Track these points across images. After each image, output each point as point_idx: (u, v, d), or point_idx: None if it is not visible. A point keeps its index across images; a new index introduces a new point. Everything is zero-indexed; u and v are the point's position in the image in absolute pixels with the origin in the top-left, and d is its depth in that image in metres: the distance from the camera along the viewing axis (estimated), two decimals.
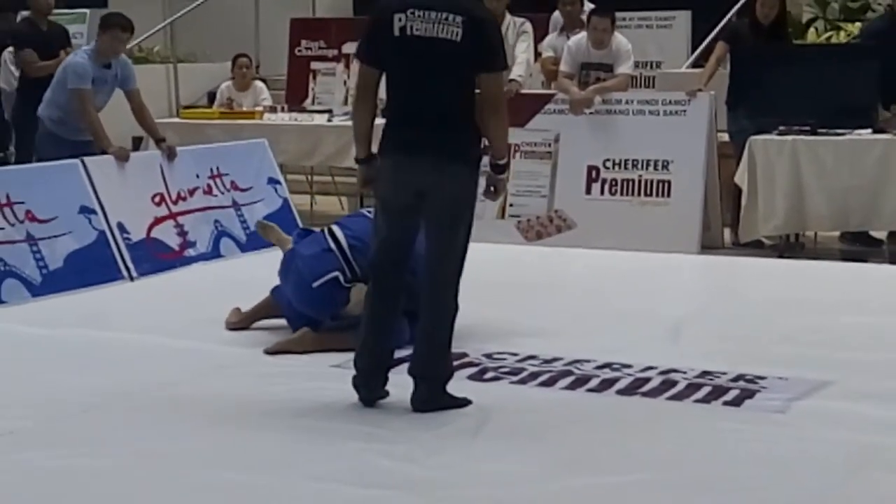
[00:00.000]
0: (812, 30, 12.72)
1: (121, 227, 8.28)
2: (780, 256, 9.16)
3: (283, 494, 4.45)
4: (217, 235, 8.95)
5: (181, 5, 15.18)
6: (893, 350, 6.30)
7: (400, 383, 5.36)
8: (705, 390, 5.57)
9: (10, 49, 11.04)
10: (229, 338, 6.61)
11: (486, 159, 5.35)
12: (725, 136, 9.81)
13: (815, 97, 9.16)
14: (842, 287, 7.99)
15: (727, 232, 9.67)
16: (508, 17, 9.76)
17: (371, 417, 5.24)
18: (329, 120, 11.03)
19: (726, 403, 5.42)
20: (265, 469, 4.65)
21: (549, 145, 9.71)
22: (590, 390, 5.63)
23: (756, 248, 9.37)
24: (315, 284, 6.21)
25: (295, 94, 12.43)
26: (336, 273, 6.22)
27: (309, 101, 12.29)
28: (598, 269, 8.62)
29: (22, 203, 7.80)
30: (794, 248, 9.37)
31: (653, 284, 8.15)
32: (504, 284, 7.75)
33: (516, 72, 9.59)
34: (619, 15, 10.06)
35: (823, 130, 9.00)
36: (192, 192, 8.96)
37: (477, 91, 5.23)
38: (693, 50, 11.46)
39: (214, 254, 8.85)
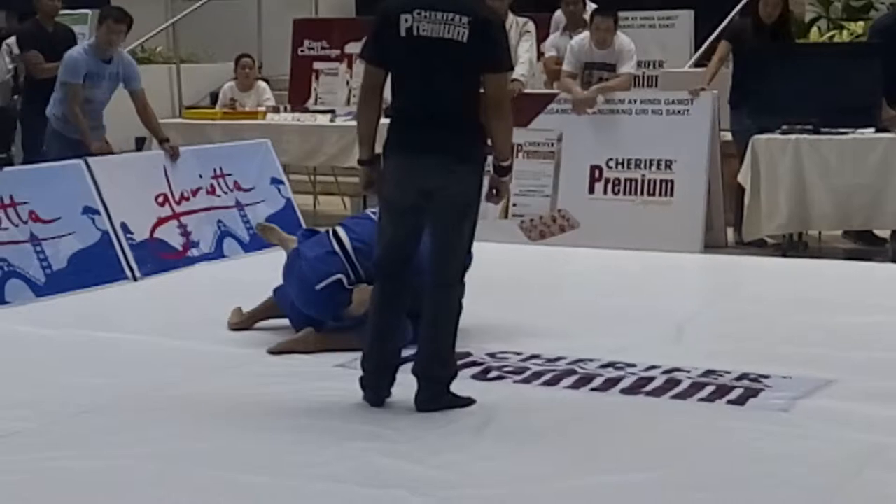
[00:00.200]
0: (815, 29, 12.72)
1: (124, 227, 8.29)
2: (784, 255, 9.16)
3: (287, 494, 4.46)
4: (220, 236, 8.96)
5: (184, 6, 15.20)
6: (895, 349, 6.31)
7: (404, 383, 5.36)
8: (709, 389, 5.57)
9: (9, 41, 11.04)
10: (233, 338, 6.61)
11: (489, 160, 5.36)
12: (728, 136, 9.81)
13: (817, 96, 9.15)
14: (845, 286, 7.99)
15: (730, 231, 9.66)
16: (511, 16, 9.76)
17: (375, 417, 5.24)
18: (332, 120, 11.04)
19: (730, 402, 5.42)
20: (269, 469, 4.65)
21: (552, 145, 9.71)
22: (593, 389, 5.63)
23: (759, 247, 9.38)
24: (318, 287, 6.21)
25: (298, 95, 12.45)
26: (339, 276, 6.22)
27: (312, 101, 12.31)
28: (601, 268, 8.63)
29: (26, 203, 7.81)
30: (797, 247, 9.36)
31: (656, 284, 8.15)
32: (507, 284, 7.75)
33: (519, 71, 9.59)
34: (621, 14, 10.06)
35: (826, 129, 9.00)
36: (195, 193, 8.96)
37: (481, 91, 5.24)
38: (696, 49, 11.45)
39: (218, 254, 8.86)
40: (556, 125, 9.71)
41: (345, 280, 6.22)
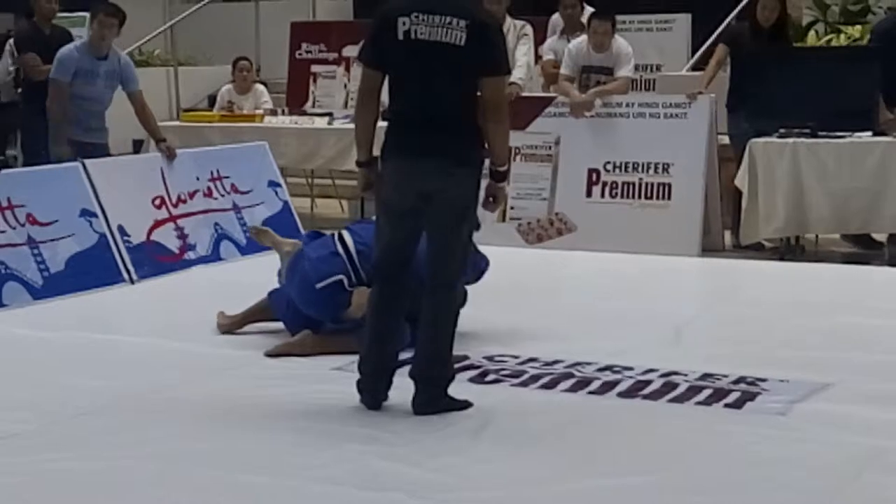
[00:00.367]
0: (812, 33, 12.73)
1: (121, 229, 8.29)
2: (781, 259, 9.17)
3: (284, 496, 4.45)
4: (217, 238, 8.96)
5: (182, 8, 15.23)
6: (894, 352, 6.29)
7: (401, 386, 5.36)
8: (706, 393, 5.57)
9: (10, 42, 11.06)
10: (230, 340, 6.61)
11: (487, 164, 5.36)
12: (726, 139, 9.82)
13: (815, 100, 9.16)
14: (842, 289, 8.00)
15: (728, 235, 9.67)
16: (509, 20, 9.77)
17: (372, 420, 5.24)
18: (329, 123, 11.05)
19: (727, 406, 5.41)
20: (266, 471, 4.65)
21: (550, 148, 9.71)
22: (591, 393, 5.62)
23: (757, 250, 9.38)
24: (319, 286, 6.22)
25: (295, 98, 12.45)
26: (341, 276, 6.23)
27: (309, 104, 12.32)
28: (599, 272, 8.63)
29: (23, 206, 7.80)
30: (794, 251, 9.37)
31: (653, 287, 8.15)
32: (505, 287, 7.74)
33: (517, 75, 9.60)
34: (619, 18, 10.08)
35: (824, 133, 9.01)
36: (192, 195, 8.96)
37: (479, 94, 5.24)
38: (693, 53, 11.47)
39: (214, 257, 8.86)
40: (554, 128, 9.71)
41: (345, 281, 6.23)
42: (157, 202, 8.70)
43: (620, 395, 5.59)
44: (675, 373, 5.84)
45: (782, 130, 9.11)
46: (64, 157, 8.79)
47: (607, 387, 5.68)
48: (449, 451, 4.89)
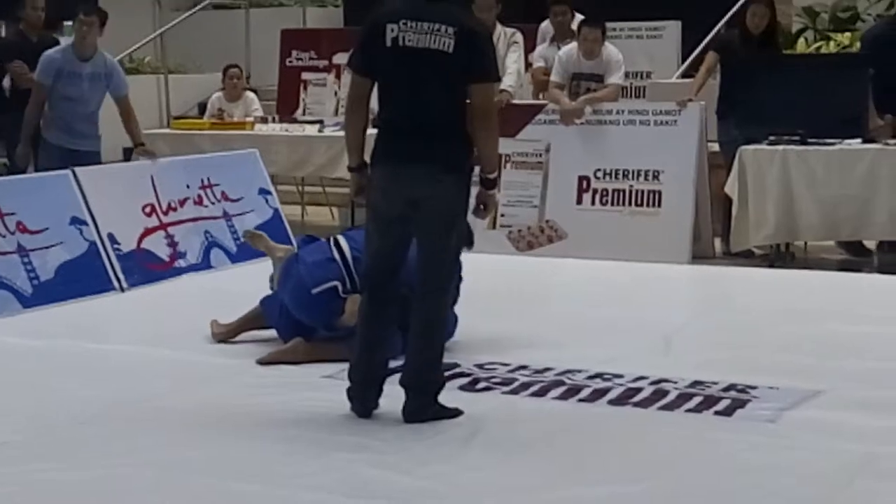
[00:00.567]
0: (802, 40, 12.75)
1: (111, 237, 8.27)
2: (771, 266, 9.17)
3: None
4: (207, 246, 8.94)
5: (172, 16, 15.20)
6: (884, 359, 6.31)
7: (391, 393, 5.36)
8: (696, 400, 5.58)
9: None
10: (221, 348, 6.60)
11: (476, 171, 5.36)
12: (716, 146, 9.83)
13: (805, 107, 9.18)
14: (833, 297, 8.01)
15: (718, 242, 9.68)
16: (499, 27, 9.77)
17: (362, 428, 5.23)
18: (320, 130, 11.05)
19: (717, 413, 5.42)
20: (257, 479, 4.65)
21: (540, 155, 9.72)
22: (581, 400, 5.63)
23: (747, 257, 9.39)
24: (314, 291, 6.21)
25: (286, 105, 12.45)
26: (336, 282, 6.22)
27: (300, 111, 12.31)
28: (589, 279, 8.63)
29: (13, 214, 7.79)
30: (784, 258, 9.38)
31: (644, 294, 8.16)
32: (495, 295, 7.75)
33: (507, 82, 9.60)
34: (609, 25, 10.07)
35: (813, 140, 9.02)
36: (182, 203, 8.95)
37: (468, 101, 5.24)
38: (683, 60, 11.47)
39: (205, 265, 8.84)
40: (544, 136, 9.72)
41: (340, 287, 6.22)
42: (148, 210, 8.69)
43: (611, 402, 5.59)
44: (666, 380, 5.84)
45: (772, 137, 9.12)
46: (25, 159, 8.85)
47: (598, 394, 5.68)
48: (439, 459, 4.89)
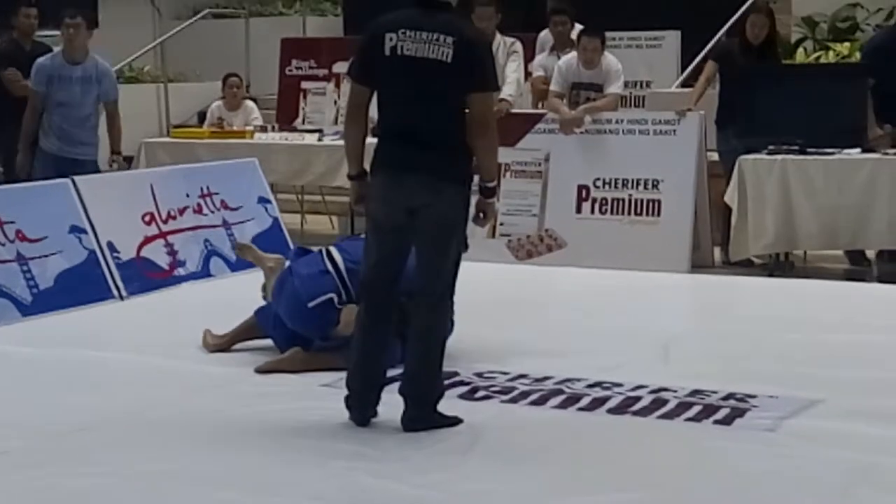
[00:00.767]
0: (801, 50, 12.77)
1: (111, 246, 8.27)
2: (770, 275, 9.17)
3: None
4: (207, 255, 8.94)
5: (172, 25, 15.23)
6: (883, 368, 6.31)
7: (390, 402, 5.36)
8: (696, 409, 5.57)
9: None
10: (219, 357, 6.60)
11: (476, 180, 5.36)
12: (715, 156, 9.83)
13: (804, 117, 9.18)
14: (832, 305, 8.00)
15: (717, 251, 9.68)
16: (499, 36, 9.78)
17: (361, 436, 5.23)
18: (319, 139, 11.05)
19: (717, 422, 5.42)
20: (255, 488, 4.64)
21: (540, 164, 9.72)
22: (580, 409, 5.62)
23: (746, 266, 9.39)
24: (311, 304, 6.21)
25: (285, 114, 12.45)
26: (332, 294, 6.22)
27: (299, 120, 12.31)
28: (589, 288, 8.63)
29: (12, 223, 7.79)
30: (783, 267, 9.38)
31: (643, 303, 8.15)
32: (494, 303, 7.75)
33: (506, 91, 9.62)
34: (608, 35, 10.09)
35: (812, 150, 9.02)
36: (182, 212, 8.95)
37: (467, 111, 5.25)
38: (682, 69, 11.49)
39: (204, 273, 8.84)
40: (544, 145, 9.73)
41: (336, 299, 6.22)
42: (147, 218, 8.69)
43: (610, 411, 5.59)
44: (665, 389, 5.84)
45: (771, 147, 9.12)
46: (24, 168, 8.86)
47: (597, 403, 5.68)
48: (438, 467, 4.89)
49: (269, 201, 9.69)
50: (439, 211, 5.19)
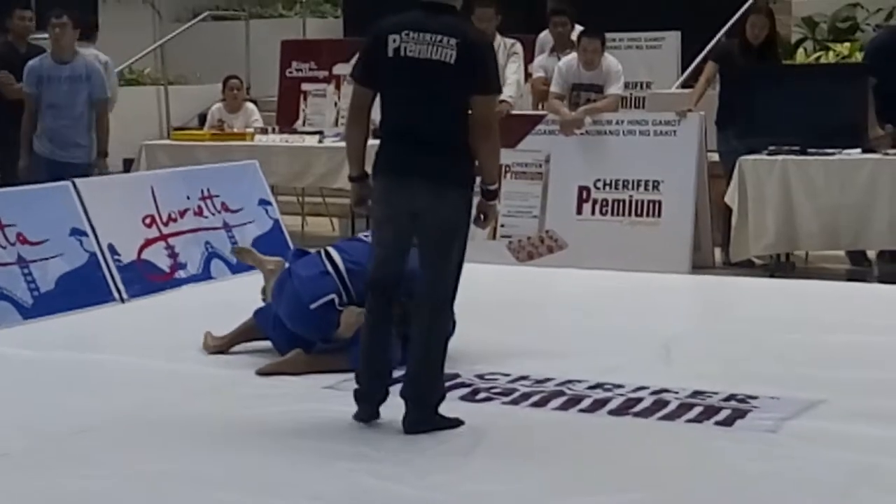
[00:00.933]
0: (801, 50, 12.76)
1: (111, 248, 8.27)
2: (771, 276, 9.17)
3: None
4: (208, 257, 8.94)
5: (172, 27, 15.23)
6: (884, 369, 6.31)
7: (392, 404, 5.36)
8: (697, 410, 5.57)
9: None
10: (221, 359, 6.60)
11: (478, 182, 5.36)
12: (715, 156, 9.83)
13: (804, 117, 9.18)
14: (833, 306, 8.00)
15: (718, 252, 9.68)
16: (499, 38, 9.78)
17: (363, 438, 5.23)
18: (320, 141, 11.05)
19: (718, 423, 5.41)
20: (256, 489, 4.64)
21: (540, 166, 9.72)
22: (582, 410, 5.62)
23: (747, 267, 9.39)
24: (313, 306, 6.21)
25: (286, 116, 12.45)
26: (332, 295, 6.22)
27: (300, 122, 12.31)
28: (590, 289, 8.63)
29: (13, 225, 7.79)
30: (784, 268, 9.38)
31: (644, 304, 8.15)
32: (495, 305, 7.75)
33: (507, 92, 9.60)
34: (608, 36, 10.09)
35: (813, 150, 9.02)
36: (182, 214, 8.95)
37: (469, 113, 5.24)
38: (683, 70, 11.49)
39: (205, 275, 8.84)
40: (544, 146, 9.73)
41: (337, 300, 6.22)
42: (148, 221, 8.69)
43: (611, 412, 5.59)
44: (666, 390, 5.84)
45: (772, 148, 9.13)
46: (25, 172, 8.87)
47: (598, 404, 5.68)
48: (440, 469, 4.89)
49: (269, 203, 9.69)
50: (441, 214, 5.19)
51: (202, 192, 9.19)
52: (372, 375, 5.39)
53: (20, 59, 9.90)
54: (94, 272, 8.10)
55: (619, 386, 5.93)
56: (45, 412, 5.66)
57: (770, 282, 8.99)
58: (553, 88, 9.89)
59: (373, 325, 5.41)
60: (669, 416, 5.51)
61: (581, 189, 9.59)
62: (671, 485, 4.69)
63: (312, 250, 6.59)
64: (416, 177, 5.19)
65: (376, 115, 5.37)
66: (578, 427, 5.43)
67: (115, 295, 8.14)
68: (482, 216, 5.43)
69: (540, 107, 10.37)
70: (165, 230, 8.76)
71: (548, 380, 6.06)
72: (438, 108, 5.20)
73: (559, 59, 10.10)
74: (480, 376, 6.13)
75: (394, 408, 5.34)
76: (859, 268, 9.56)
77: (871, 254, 9.63)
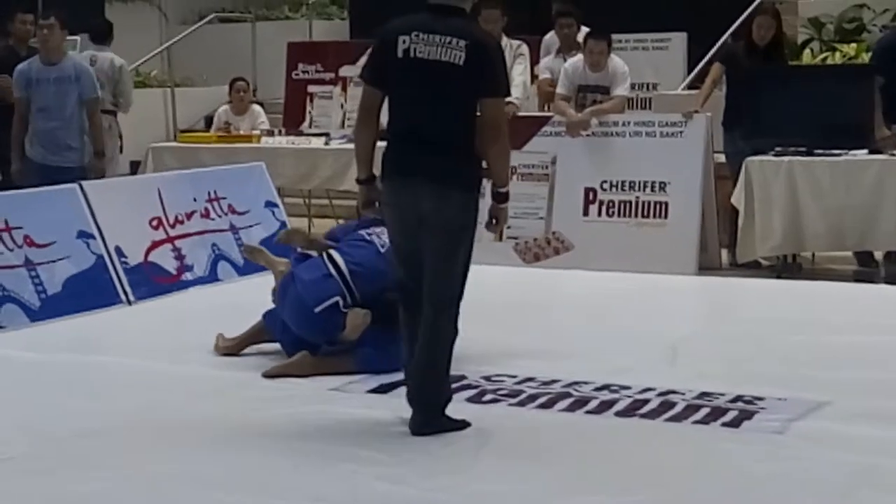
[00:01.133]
0: (807, 51, 12.76)
1: (118, 251, 8.28)
2: (778, 277, 9.17)
3: None
4: (214, 259, 8.95)
5: (178, 30, 15.26)
6: (891, 370, 6.30)
7: (398, 406, 5.36)
8: (704, 411, 5.57)
9: None
10: (227, 361, 6.60)
11: (487, 186, 5.35)
12: (722, 158, 9.83)
13: (811, 118, 9.17)
14: (840, 307, 7.99)
15: (724, 253, 9.68)
16: (505, 39, 9.77)
17: (369, 440, 5.23)
18: (326, 143, 11.06)
19: (725, 425, 5.41)
20: (262, 491, 4.65)
21: (547, 167, 9.72)
22: (588, 412, 5.62)
23: (753, 268, 9.38)
24: (317, 309, 6.20)
25: (292, 118, 12.46)
26: (337, 298, 6.22)
27: (306, 124, 12.32)
28: (596, 290, 8.62)
29: (20, 228, 7.79)
30: (791, 269, 9.38)
31: (650, 306, 8.15)
32: (502, 306, 7.75)
33: (513, 94, 9.58)
34: (615, 37, 10.08)
35: (820, 151, 9.02)
36: (189, 216, 8.95)
37: (478, 115, 5.24)
38: (689, 71, 11.50)
39: (212, 277, 8.84)
40: (551, 148, 9.73)
41: (341, 303, 6.22)
42: (155, 223, 8.70)
43: (618, 414, 5.59)
44: (673, 391, 5.84)
45: (778, 149, 9.12)
46: (19, 175, 8.88)
47: (605, 406, 5.68)
48: (446, 470, 4.89)
49: (276, 205, 9.70)
50: (447, 216, 5.18)
51: (209, 194, 9.20)
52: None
53: (20, 62, 9.91)
54: (101, 274, 8.11)
55: (626, 387, 5.93)
56: (49, 415, 5.66)
57: (777, 283, 8.99)
58: (559, 90, 9.88)
59: (411, 328, 5.33)
60: (676, 418, 5.51)
61: (587, 190, 9.59)
62: (678, 486, 4.69)
63: (314, 254, 6.56)
64: (419, 177, 5.18)
65: (385, 117, 5.37)
66: (585, 428, 5.43)
67: (122, 297, 8.15)
68: (494, 220, 5.42)
69: (546, 108, 10.36)
70: (172, 232, 8.77)
71: (554, 381, 6.06)
72: (446, 108, 5.19)
73: (565, 60, 10.10)
74: (487, 378, 6.13)
75: (400, 410, 5.34)
76: (866, 269, 9.55)
77: (879, 255, 9.62)
